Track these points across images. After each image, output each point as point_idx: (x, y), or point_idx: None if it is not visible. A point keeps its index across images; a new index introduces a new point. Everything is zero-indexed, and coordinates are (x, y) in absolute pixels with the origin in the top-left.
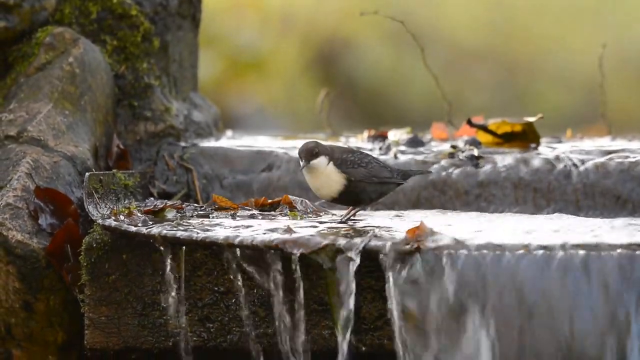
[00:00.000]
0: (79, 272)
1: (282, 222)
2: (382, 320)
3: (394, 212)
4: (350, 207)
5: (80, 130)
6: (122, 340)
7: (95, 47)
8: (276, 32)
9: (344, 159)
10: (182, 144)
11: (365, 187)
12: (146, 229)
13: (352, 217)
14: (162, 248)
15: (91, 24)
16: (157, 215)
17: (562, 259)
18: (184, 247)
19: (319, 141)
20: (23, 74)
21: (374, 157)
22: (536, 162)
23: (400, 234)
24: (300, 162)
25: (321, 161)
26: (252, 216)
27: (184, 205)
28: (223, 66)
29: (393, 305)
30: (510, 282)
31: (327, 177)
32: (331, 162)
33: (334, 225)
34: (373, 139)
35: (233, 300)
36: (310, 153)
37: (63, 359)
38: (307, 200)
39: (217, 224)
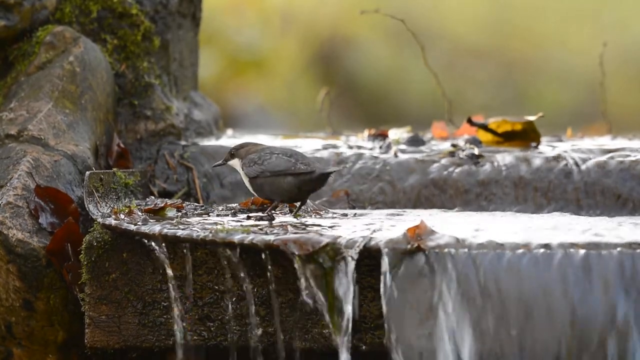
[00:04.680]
0: (79, 270)
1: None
2: (383, 319)
3: (394, 211)
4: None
5: (80, 129)
6: (123, 339)
7: (96, 46)
8: (276, 30)
9: (249, 159)
10: (183, 142)
11: (265, 182)
12: (146, 227)
13: (273, 212)
14: (159, 247)
15: (91, 22)
16: (157, 214)
17: (563, 258)
18: (187, 246)
19: (252, 143)
20: (23, 72)
21: (283, 154)
22: (537, 161)
23: (400, 232)
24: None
25: (234, 162)
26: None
27: (184, 204)
28: (223, 65)
29: (391, 304)
30: (510, 281)
31: (243, 177)
32: (241, 163)
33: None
34: (373, 137)
35: (233, 299)
36: (229, 154)
37: (63, 357)
38: (307, 200)
39: (217, 223)
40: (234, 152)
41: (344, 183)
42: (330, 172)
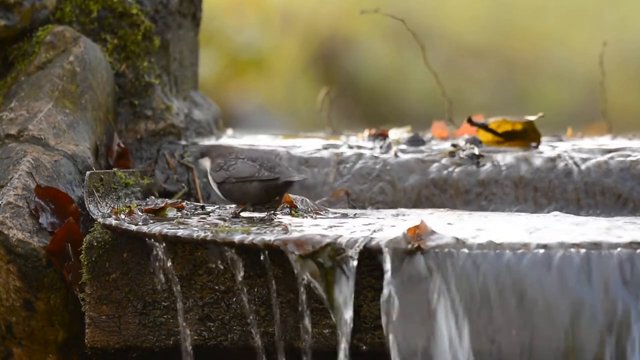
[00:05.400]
0: (80, 270)
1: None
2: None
3: (394, 211)
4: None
5: (80, 129)
6: (123, 339)
7: (96, 45)
8: (277, 30)
9: (216, 164)
10: (183, 142)
11: (232, 188)
12: (147, 227)
13: (239, 214)
14: (161, 246)
15: (92, 22)
16: (158, 214)
17: (563, 258)
18: (185, 246)
19: (224, 146)
20: (24, 72)
21: (246, 158)
22: (537, 161)
23: (400, 232)
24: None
25: (204, 162)
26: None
27: (184, 204)
28: (223, 64)
29: (392, 304)
30: (510, 281)
31: (211, 182)
32: (210, 167)
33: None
34: (373, 137)
35: (234, 299)
36: (200, 152)
37: (63, 357)
38: (307, 199)
39: (217, 223)
40: (204, 152)
41: (344, 183)
42: (293, 181)
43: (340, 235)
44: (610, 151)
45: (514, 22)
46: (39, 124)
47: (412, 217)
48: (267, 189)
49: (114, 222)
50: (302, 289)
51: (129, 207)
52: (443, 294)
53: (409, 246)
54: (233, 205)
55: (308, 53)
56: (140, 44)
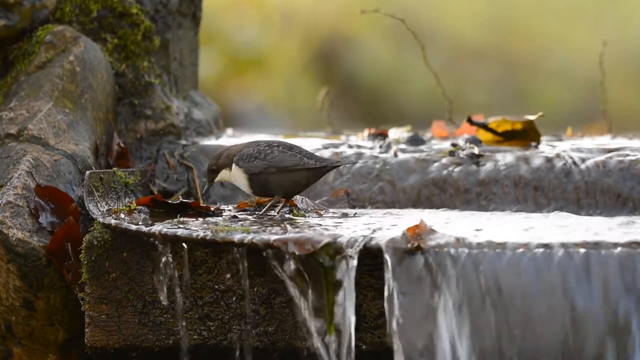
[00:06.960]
0: (80, 270)
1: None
2: (383, 319)
3: (394, 210)
4: (269, 200)
5: (80, 129)
6: (123, 339)
7: (96, 45)
8: (277, 29)
9: (242, 155)
10: (183, 142)
11: (268, 178)
12: (146, 227)
13: (268, 211)
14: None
15: (92, 22)
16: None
17: (563, 258)
18: (185, 245)
19: (225, 147)
20: (24, 72)
21: (282, 147)
22: (537, 161)
23: (400, 232)
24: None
25: (224, 173)
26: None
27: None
28: (223, 64)
29: (393, 304)
30: (510, 281)
31: (236, 176)
32: (233, 163)
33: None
34: (373, 137)
35: (233, 299)
36: (210, 172)
37: (63, 357)
38: (307, 199)
39: (217, 223)
40: (215, 168)
41: (344, 182)
42: (339, 166)
43: (340, 235)
44: (610, 151)
45: (514, 22)
46: (39, 124)
47: (412, 217)
48: (309, 178)
49: (113, 222)
50: (301, 289)
51: (129, 206)
52: (443, 293)
53: (409, 245)
54: (234, 206)
55: (308, 53)
56: (140, 44)
